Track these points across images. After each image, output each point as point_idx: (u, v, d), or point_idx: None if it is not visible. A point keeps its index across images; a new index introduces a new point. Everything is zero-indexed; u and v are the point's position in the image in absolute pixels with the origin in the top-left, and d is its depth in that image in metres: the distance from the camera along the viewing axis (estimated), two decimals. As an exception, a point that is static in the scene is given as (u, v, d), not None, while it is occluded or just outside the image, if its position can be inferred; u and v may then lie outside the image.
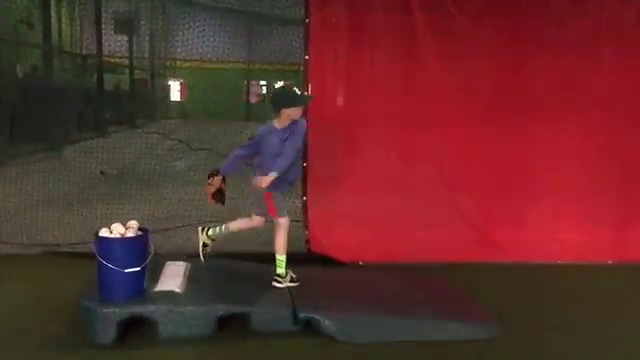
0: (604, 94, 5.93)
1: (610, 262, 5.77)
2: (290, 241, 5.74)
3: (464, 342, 3.89)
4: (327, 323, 3.86)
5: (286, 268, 4.44)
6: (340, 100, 5.99)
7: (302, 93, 4.61)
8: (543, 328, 4.21)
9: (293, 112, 4.31)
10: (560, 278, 5.35)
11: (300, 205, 5.84)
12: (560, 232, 5.87)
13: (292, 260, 4.70)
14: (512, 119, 5.88)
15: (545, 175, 5.95)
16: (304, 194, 5.77)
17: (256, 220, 4.65)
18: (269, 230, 6.03)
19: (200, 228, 4.76)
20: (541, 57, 5.82)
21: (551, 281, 5.26)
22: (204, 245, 4.69)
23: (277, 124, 4.36)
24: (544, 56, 5.82)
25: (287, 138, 4.32)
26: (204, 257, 4.68)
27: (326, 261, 5.44)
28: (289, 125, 4.34)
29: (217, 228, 4.72)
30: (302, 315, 3.91)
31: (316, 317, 3.89)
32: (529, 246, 5.78)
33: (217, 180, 4.46)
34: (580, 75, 5.87)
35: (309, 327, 3.91)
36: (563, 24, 5.80)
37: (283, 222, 4.45)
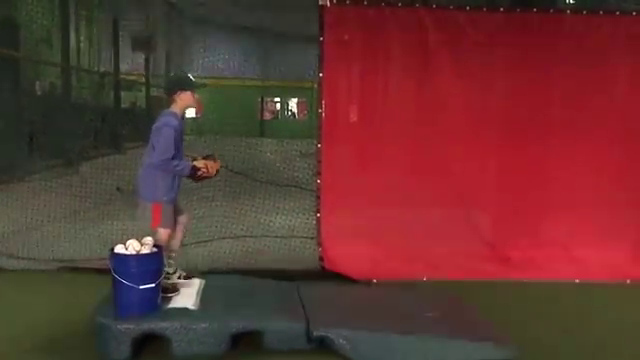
0: (620, 111, 5.91)
1: (628, 281, 5.68)
2: (303, 258, 5.77)
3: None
4: (341, 341, 3.83)
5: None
6: (354, 117, 6.01)
7: (196, 80, 4.50)
8: (559, 348, 4.15)
9: (187, 96, 4.30)
10: (577, 297, 5.27)
11: (314, 222, 5.84)
12: (576, 250, 5.80)
13: (306, 277, 4.67)
14: (527, 136, 5.86)
15: (561, 192, 5.89)
16: (318, 211, 5.78)
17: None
18: (283, 247, 6.04)
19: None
20: (556, 74, 5.81)
21: (568, 300, 5.18)
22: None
23: (175, 109, 4.32)
24: (559, 73, 5.81)
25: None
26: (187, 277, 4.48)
27: (340, 278, 5.41)
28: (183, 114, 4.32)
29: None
30: (316, 333, 3.88)
31: (330, 335, 3.86)
32: (545, 264, 5.71)
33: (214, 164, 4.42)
34: (596, 92, 5.84)
35: (323, 345, 3.88)
36: (578, 41, 5.79)
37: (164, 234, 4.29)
